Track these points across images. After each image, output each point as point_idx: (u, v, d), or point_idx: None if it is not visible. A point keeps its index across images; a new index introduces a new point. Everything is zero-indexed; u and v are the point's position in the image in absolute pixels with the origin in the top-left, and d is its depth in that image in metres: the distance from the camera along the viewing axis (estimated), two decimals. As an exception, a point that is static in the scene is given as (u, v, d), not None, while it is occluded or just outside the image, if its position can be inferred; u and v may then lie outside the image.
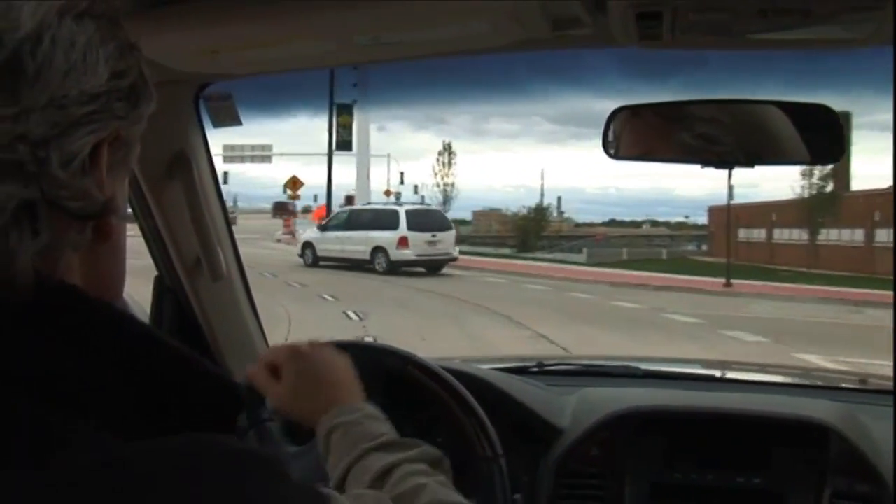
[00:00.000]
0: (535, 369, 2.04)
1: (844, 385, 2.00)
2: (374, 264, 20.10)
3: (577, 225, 68.34)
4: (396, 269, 19.70)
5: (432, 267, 20.53)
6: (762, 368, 2.85)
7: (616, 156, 1.47)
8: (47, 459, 0.48)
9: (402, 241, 19.88)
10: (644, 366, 2.08)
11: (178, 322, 1.76)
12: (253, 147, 40.58)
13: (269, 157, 42.34)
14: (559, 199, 70.02)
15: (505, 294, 17.21)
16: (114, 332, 0.59)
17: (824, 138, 1.39)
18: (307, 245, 22.48)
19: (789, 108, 1.40)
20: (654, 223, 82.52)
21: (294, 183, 35.94)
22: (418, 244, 20.03)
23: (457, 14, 1.16)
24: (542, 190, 62.14)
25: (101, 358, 0.56)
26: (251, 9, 1.15)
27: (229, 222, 1.79)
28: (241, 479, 0.50)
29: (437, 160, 43.66)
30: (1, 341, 0.53)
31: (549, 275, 21.76)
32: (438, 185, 43.11)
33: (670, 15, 1.14)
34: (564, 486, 1.60)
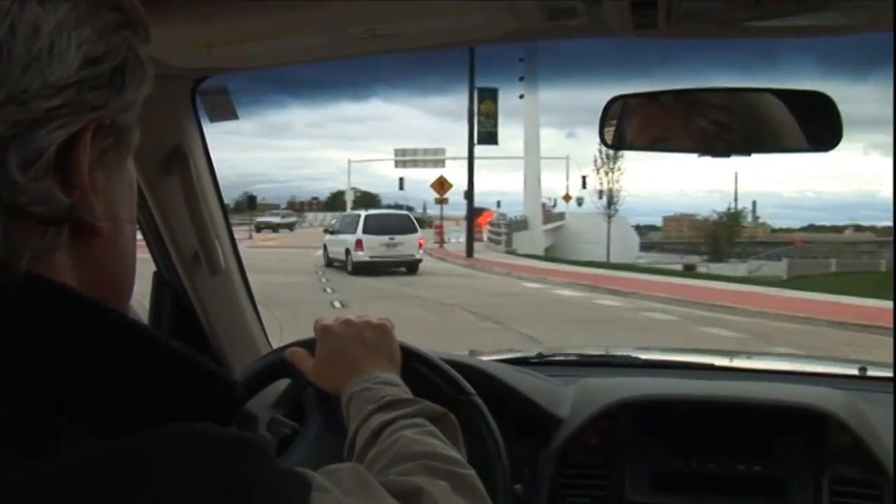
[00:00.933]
0: (535, 360, 2.04)
1: (844, 373, 2.00)
2: (347, 265, 21.99)
3: (774, 230, 66.00)
4: (360, 269, 21.23)
5: (402, 266, 22.01)
6: (762, 356, 2.86)
7: (613, 145, 1.47)
8: (38, 457, 0.46)
9: (358, 244, 21.78)
10: (643, 355, 2.09)
11: (176, 317, 1.76)
12: (426, 151, 40.41)
13: (443, 161, 40.52)
14: (754, 203, 67.80)
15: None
16: (106, 331, 0.54)
17: (821, 125, 1.39)
18: (324, 247, 24.67)
19: (786, 96, 1.40)
20: (858, 228, 77.32)
21: (441, 184, 31.99)
22: (374, 246, 21.63)
23: (452, 6, 1.16)
24: (735, 194, 60.05)
25: (92, 357, 0.53)
26: (246, 2, 1.15)
27: (227, 216, 1.79)
28: (231, 465, 0.49)
29: (595, 164, 41.47)
30: None
31: (745, 305, 14.96)
32: (601, 189, 41.20)
33: (665, 4, 1.14)
34: (565, 476, 1.61)
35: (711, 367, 2.04)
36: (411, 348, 1.35)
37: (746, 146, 1.45)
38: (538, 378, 1.78)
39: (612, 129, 1.48)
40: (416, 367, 1.34)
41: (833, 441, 1.55)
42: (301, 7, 1.16)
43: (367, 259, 21.59)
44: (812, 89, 1.38)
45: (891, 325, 11.06)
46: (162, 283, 1.75)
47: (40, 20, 0.50)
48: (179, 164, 1.57)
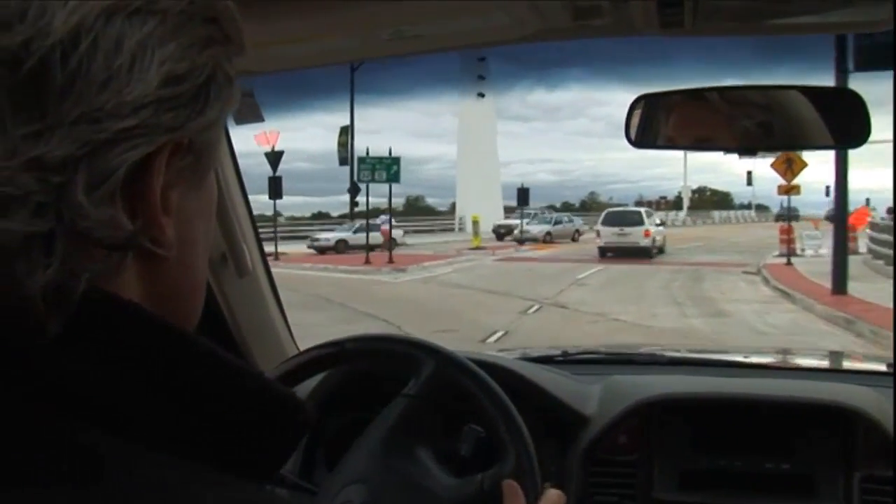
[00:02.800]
0: (561, 358, 2.04)
1: (872, 369, 1.99)
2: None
3: None
4: (602, 253, 27.20)
5: (628, 253, 26.38)
6: (787, 353, 2.84)
7: (641, 145, 1.47)
8: (92, 480, 0.45)
9: (597, 234, 28.73)
10: (668, 353, 2.08)
11: (203, 318, 1.76)
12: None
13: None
14: None
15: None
16: (171, 351, 0.52)
17: (850, 122, 1.38)
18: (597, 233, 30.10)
19: (816, 93, 1.40)
20: None
21: (789, 165, 19.46)
22: (607, 236, 27.43)
23: (477, 6, 1.16)
24: None
25: (155, 378, 0.50)
26: (272, 6, 1.15)
27: (253, 218, 1.80)
28: None
29: None
30: (24, 358, 0.47)
31: None
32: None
33: (692, 1, 1.13)
34: (593, 475, 1.61)
35: (738, 365, 2.03)
36: (372, 336, 1.41)
37: (772, 144, 1.45)
38: (564, 376, 1.78)
39: (634, 125, 1.48)
40: (384, 348, 1.42)
41: (863, 439, 1.54)
42: (327, 9, 1.17)
43: (602, 245, 27.42)
44: (841, 87, 1.38)
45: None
46: None
47: (124, 35, 0.47)
48: None
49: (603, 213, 29.81)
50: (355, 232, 30.00)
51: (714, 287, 17.31)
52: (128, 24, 0.48)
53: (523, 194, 35.62)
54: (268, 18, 1.19)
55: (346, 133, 28.31)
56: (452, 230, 34.79)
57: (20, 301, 0.46)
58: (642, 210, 30.36)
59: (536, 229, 36.20)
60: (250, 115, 1.64)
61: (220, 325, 1.76)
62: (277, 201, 26.03)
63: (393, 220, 29.20)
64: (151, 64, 0.49)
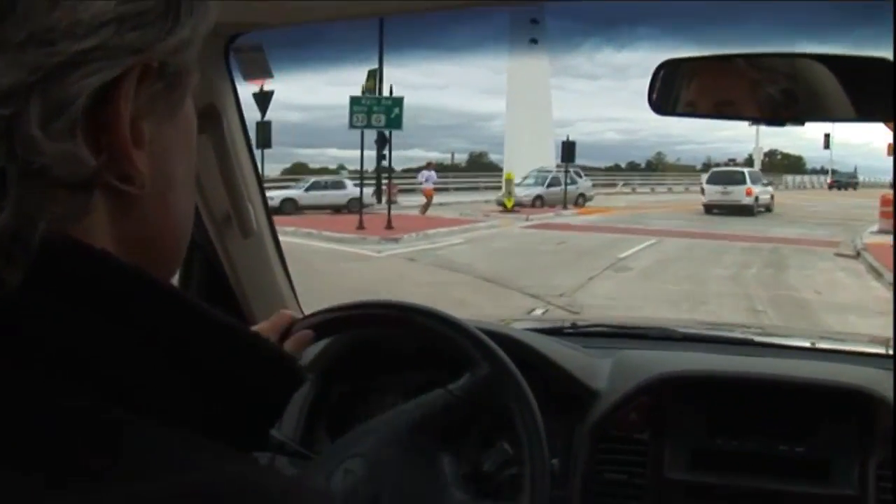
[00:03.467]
0: (570, 330, 2.00)
1: (889, 353, 1.94)
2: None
3: None
4: (707, 210, 28.31)
5: (732, 210, 27.48)
6: (802, 332, 2.79)
7: (662, 111, 1.42)
8: (71, 449, 0.40)
9: (702, 191, 30.02)
10: (682, 329, 2.04)
11: (207, 279, 1.74)
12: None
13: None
14: None
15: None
16: (143, 302, 0.47)
17: (880, 93, 1.33)
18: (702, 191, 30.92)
19: (844, 63, 1.34)
20: None
21: None
22: (711, 194, 28.72)
23: None
24: None
25: (125, 331, 0.45)
26: None
27: (260, 177, 1.76)
28: None
29: None
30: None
31: None
32: None
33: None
34: (602, 451, 1.57)
35: (751, 343, 1.99)
36: (440, 313, 1.32)
37: (805, 114, 1.40)
38: (573, 349, 1.74)
39: (657, 91, 1.44)
40: (445, 331, 1.31)
41: (880, 423, 1.50)
42: None
43: (706, 202, 28.72)
44: (875, 56, 1.32)
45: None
46: (192, 244, 1.72)
47: None
48: (212, 124, 1.54)
49: (709, 172, 31.87)
50: (307, 190, 26.73)
51: (804, 279, 12.82)
52: None
53: (569, 149, 30.31)
54: None
55: (374, 77, 24.34)
56: (500, 188, 31.48)
57: None
58: (746, 170, 31.09)
59: (523, 193, 30.19)
60: (259, 70, 1.59)
61: (223, 287, 1.73)
62: (343, 153, 23.79)
63: (434, 174, 27.17)
64: None
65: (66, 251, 0.44)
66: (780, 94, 1.38)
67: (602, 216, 26.78)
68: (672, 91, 1.42)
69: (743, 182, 28.80)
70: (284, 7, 1.30)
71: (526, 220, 24.03)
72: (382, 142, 22.49)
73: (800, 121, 1.42)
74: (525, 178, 32.33)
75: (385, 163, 24.05)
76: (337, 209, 25.29)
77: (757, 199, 28.69)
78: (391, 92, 22.46)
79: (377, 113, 19.29)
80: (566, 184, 30.95)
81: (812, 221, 25.50)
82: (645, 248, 16.89)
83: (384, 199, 24.87)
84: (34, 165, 0.41)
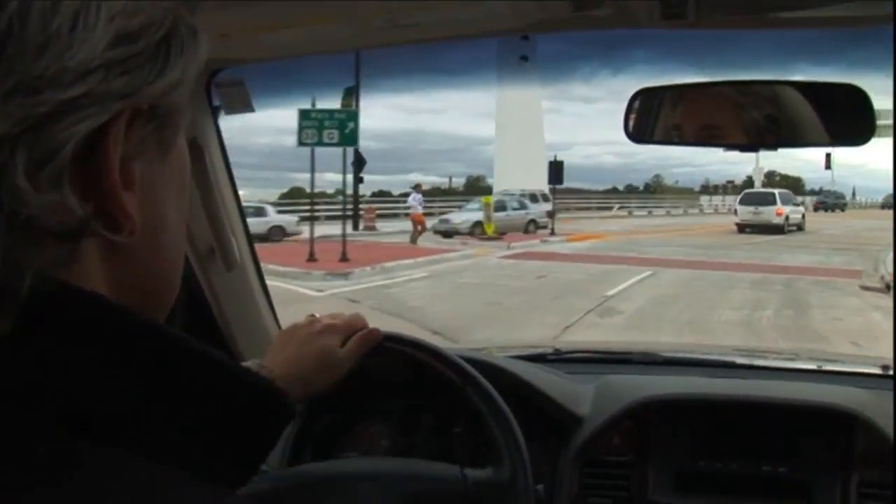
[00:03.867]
0: (553, 356, 2.01)
1: (868, 371, 1.96)
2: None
3: None
4: (740, 230, 29.77)
5: (764, 230, 28.63)
6: (784, 354, 2.81)
7: (635, 138, 1.44)
8: (57, 482, 0.40)
9: (734, 212, 32.00)
10: (664, 353, 2.05)
11: (191, 312, 1.74)
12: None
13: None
14: None
15: None
16: (135, 341, 0.47)
17: (855, 119, 1.36)
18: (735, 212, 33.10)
19: (819, 89, 1.37)
20: None
21: None
22: (743, 213, 30.49)
23: None
24: None
25: (116, 371, 0.45)
26: None
27: (242, 210, 1.77)
28: None
29: None
30: None
31: None
32: None
33: (695, -8, 1.11)
34: (586, 476, 1.58)
35: (733, 366, 2.00)
36: (414, 339, 1.33)
37: (773, 141, 1.43)
38: (557, 375, 1.75)
39: (637, 121, 1.46)
40: (420, 356, 1.32)
41: (860, 442, 1.52)
42: None
43: (738, 221, 30.36)
44: (845, 82, 1.35)
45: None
46: None
47: None
48: (195, 158, 1.55)
49: (742, 194, 33.97)
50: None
51: (833, 324, 10.27)
52: None
53: (556, 169, 27.66)
54: (259, 4, 1.16)
55: (351, 95, 22.21)
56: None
57: None
58: (776, 192, 32.59)
59: (460, 219, 26.86)
60: (240, 104, 1.60)
61: (207, 320, 1.73)
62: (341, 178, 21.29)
63: (421, 196, 24.44)
64: (98, 21, 0.42)
65: (54, 295, 0.44)
66: (753, 122, 1.40)
67: (594, 242, 24.58)
68: (646, 120, 1.44)
69: (773, 203, 30.56)
70: (264, 42, 1.32)
71: (508, 249, 21.69)
72: (360, 164, 21.50)
73: (782, 146, 1.45)
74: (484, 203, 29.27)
75: (365, 185, 23.02)
76: (260, 238, 22.71)
77: (787, 217, 30.25)
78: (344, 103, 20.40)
79: (329, 128, 17.00)
80: (517, 209, 28.65)
81: (828, 246, 22.82)
82: (638, 281, 14.48)
83: (362, 226, 24.01)
84: (21, 216, 0.41)
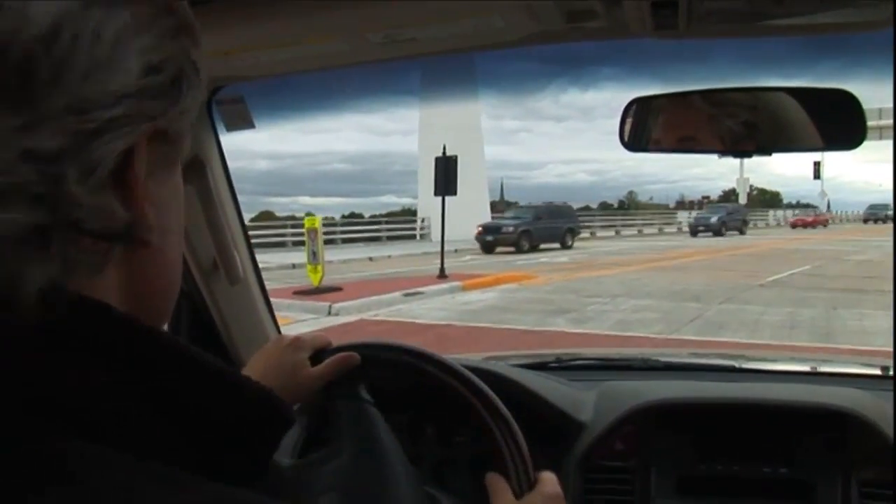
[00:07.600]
0: (555, 364, 2.03)
1: (868, 373, 1.98)
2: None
3: None
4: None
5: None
6: (783, 357, 2.83)
7: (634, 148, 1.46)
8: (59, 484, 0.43)
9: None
10: (664, 358, 2.07)
11: (195, 327, 1.75)
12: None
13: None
14: None
15: None
16: (141, 350, 0.51)
17: (846, 123, 1.38)
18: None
19: (809, 94, 1.39)
20: None
21: None
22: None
23: (470, 10, 1.15)
24: None
25: (127, 378, 0.49)
26: (262, 9, 1.14)
27: (244, 225, 1.79)
28: None
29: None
30: (5, 362, 0.46)
31: None
32: None
33: (686, 3, 1.12)
34: (589, 482, 1.59)
35: (733, 369, 2.02)
36: (418, 350, 1.33)
37: (772, 145, 1.44)
38: (559, 383, 1.77)
39: (632, 130, 1.48)
40: (424, 367, 1.32)
41: (861, 443, 1.53)
42: (318, 13, 1.15)
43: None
44: (836, 87, 1.37)
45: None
46: (180, 293, 1.73)
47: (102, 26, 0.48)
48: (197, 174, 1.57)
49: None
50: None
51: None
52: (105, 15, 0.48)
53: (445, 169, 18.97)
54: (258, 22, 1.18)
55: None
56: (413, 237, 26.94)
57: (13, 296, 0.46)
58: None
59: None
60: (241, 121, 1.62)
61: (211, 333, 1.75)
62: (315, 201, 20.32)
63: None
64: (131, 54, 0.50)
65: (71, 305, 0.49)
66: (740, 126, 1.42)
67: (509, 290, 15.62)
68: (640, 129, 1.46)
69: None
70: (265, 60, 1.34)
71: (329, 315, 12.92)
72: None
73: (766, 151, 1.46)
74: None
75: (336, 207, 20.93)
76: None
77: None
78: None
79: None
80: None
81: (860, 276, 16.13)
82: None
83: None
84: (71, 219, 0.47)
